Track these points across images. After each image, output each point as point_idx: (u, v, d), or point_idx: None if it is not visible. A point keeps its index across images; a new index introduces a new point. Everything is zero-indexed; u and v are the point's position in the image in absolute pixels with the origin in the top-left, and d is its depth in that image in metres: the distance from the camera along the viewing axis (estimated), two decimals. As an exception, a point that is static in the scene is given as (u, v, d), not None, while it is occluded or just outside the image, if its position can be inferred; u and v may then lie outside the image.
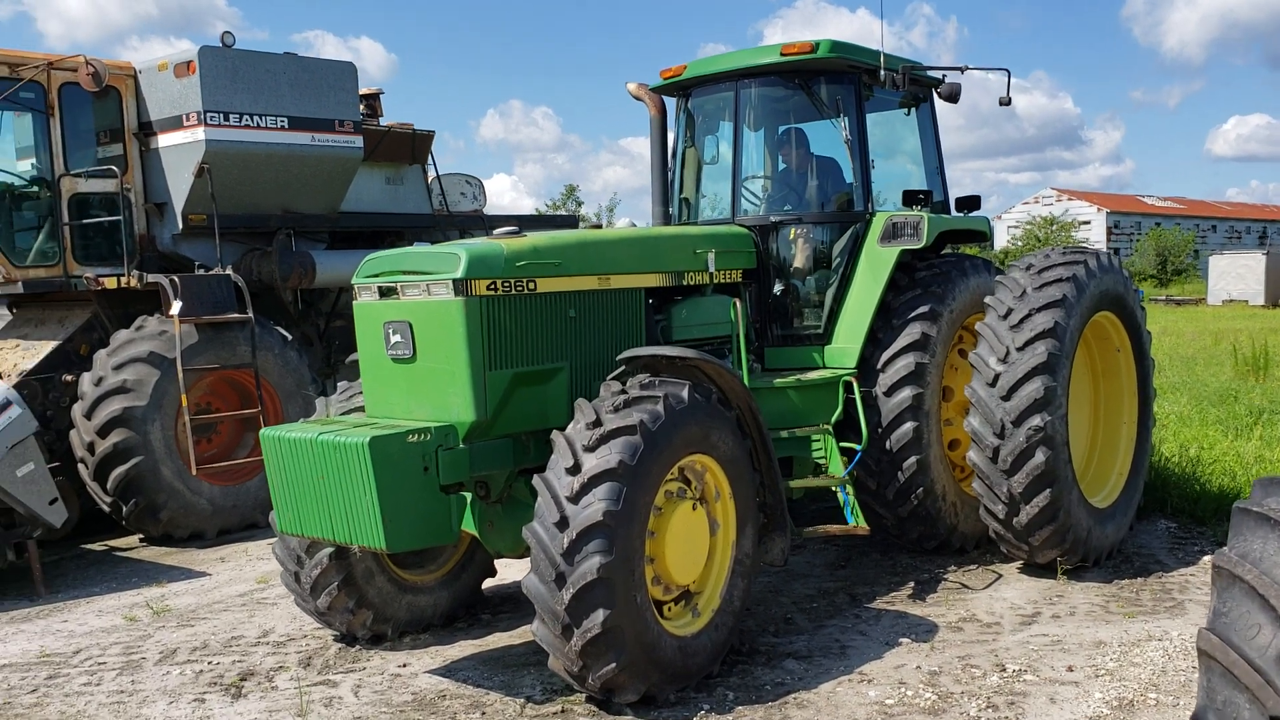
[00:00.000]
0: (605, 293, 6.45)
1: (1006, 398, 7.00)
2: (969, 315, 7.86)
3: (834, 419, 7.32)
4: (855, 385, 7.26)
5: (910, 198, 7.95)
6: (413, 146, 12.44)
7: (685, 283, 7.11)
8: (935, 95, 8.52)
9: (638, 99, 8.44)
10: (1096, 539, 7.44)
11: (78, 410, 9.51)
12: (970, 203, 8.61)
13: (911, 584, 7.45)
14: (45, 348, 10.15)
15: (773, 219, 7.83)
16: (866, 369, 7.59)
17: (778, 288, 7.89)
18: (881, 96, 8.19)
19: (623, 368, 6.03)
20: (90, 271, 10.24)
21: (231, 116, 10.31)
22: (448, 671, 6.20)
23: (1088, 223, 78.87)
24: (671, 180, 8.38)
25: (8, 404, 8.10)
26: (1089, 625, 6.52)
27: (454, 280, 5.69)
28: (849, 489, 7.09)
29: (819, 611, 6.97)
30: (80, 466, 9.58)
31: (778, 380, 7.30)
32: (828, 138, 8.10)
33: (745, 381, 6.78)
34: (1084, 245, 7.92)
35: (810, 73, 7.79)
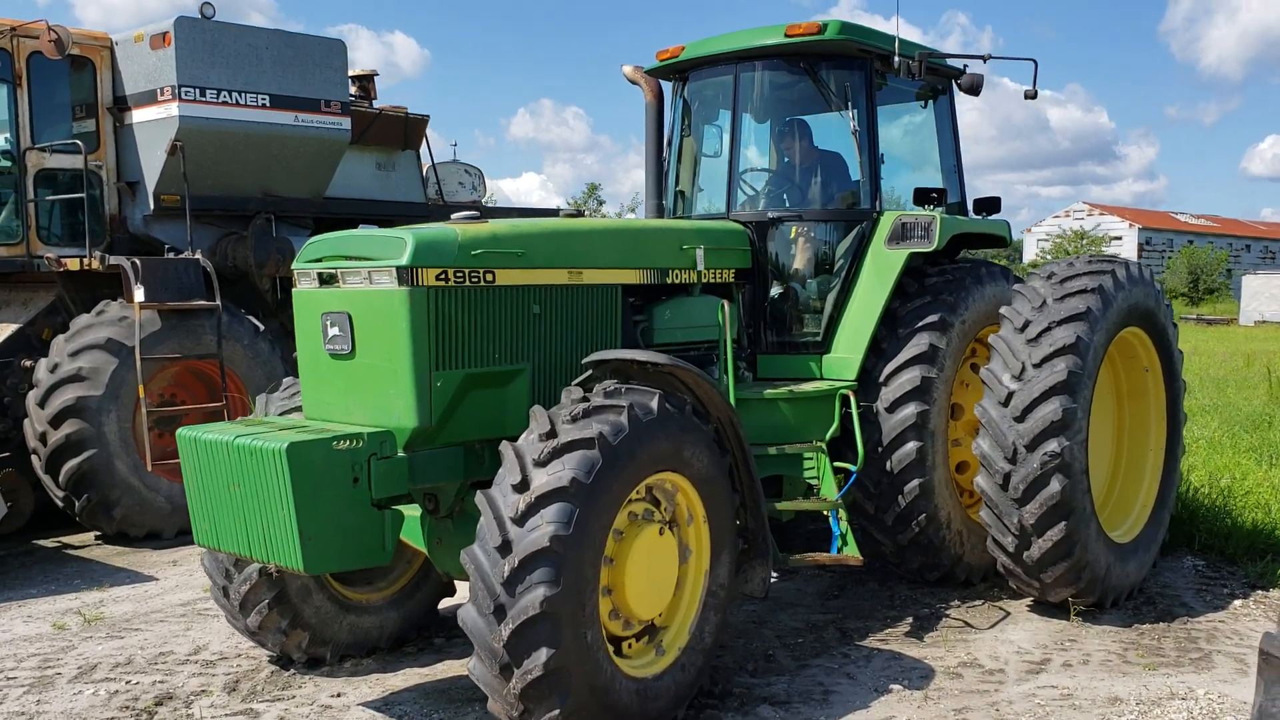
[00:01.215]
0: (576, 288, 5.81)
1: (1020, 419, 6.31)
2: (983, 327, 7.18)
3: (829, 436, 6.64)
4: (853, 400, 6.58)
5: (922, 196, 7.27)
6: (405, 131, 11.85)
7: (670, 281, 6.46)
8: (955, 87, 7.87)
9: (634, 83, 7.82)
10: (1116, 578, 6.74)
11: (32, 398, 8.96)
12: (989, 205, 7.92)
13: (909, 620, 6.77)
14: (5, 330, 9.62)
15: (771, 215, 7.17)
16: (868, 382, 6.92)
17: (774, 290, 7.23)
18: (896, 86, 7.51)
19: (589, 372, 5.39)
20: (54, 252, 9.69)
21: (208, 92, 9.74)
22: (385, 704, 5.58)
23: (1119, 238, 77.66)
24: (666, 172, 7.74)
25: (-58, 389, 7.54)
26: (1103, 677, 5.83)
27: (398, 268, 5.06)
28: (841, 514, 6.42)
29: (804, 648, 6.31)
30: (34, 458, 9.03)
31: (768, 391, 6.64)
32: (835, 129, 7.44)
33: (731, 391, 6.16)
34: (1112, 255, 7.17)
35: (817, 56, 7.13)
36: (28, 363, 9.37)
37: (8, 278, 10.14)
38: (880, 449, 6.79)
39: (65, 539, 9.39)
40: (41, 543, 9.28)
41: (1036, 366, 6.35)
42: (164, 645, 6.55)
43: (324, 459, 4.82)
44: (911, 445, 6.72)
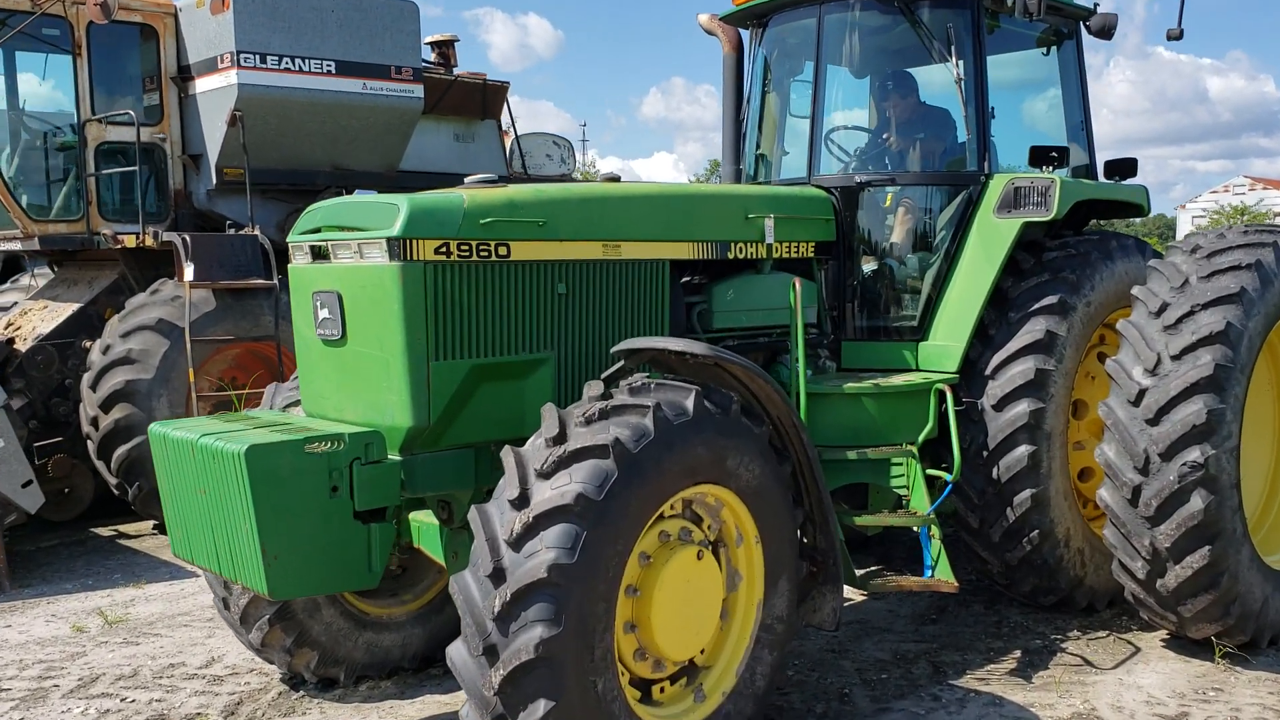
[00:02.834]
0: (611, 264, 4.97)
1: (1154, 422, 5.23)
2: (1113, 310, 6.09)
3: (923, 437, 5.66)
4: (949, 395, 5.57)
5: (1040, 156, 6.18)
6: (483, 99, 11.15)
7: (732, 256, 5.56)
8: (1084, 30, 6.74)
9: (710, 33, 6.92)
10: (1274, 613, 5.60)
11: (85, 381, 8.57)
12: (1123, 168, 6.78)
13: (1017, 654, 5.76)
14: (67, 310, 9.28)
15: (859, 179, 6.18)
16: (972, 375, 5.92)
17: (862, 266, 6.26)
18: (1011, 29, 6.44)
19: (620, 363, 4.56)
20: (116, 228, 9.30)
21: (269, 58, 9.20)
22: (390, 740, 4.88)
23: (1283, 214, 72.87)
24: (744, 133, 6.83)
25: (-30, 372, 7.16)
26: (1256, 741, 4.75)
27: (389, 239, 4.30)
28: (934, 530, 5.44)
29: (887, 686, 5.37)
30: (88, 443, 8.66)
31: (849, 385, 5.69)
32: (938, 81, 6.42)
33: (801, 385, 5.25)
34: (1274, 226, 5.96)
35: (915, -7, 6.11)
36: (88, 344, 9.00)
37: (74, 255, 9.85)
38: (986, 453, 5.78)
39: (122, 528, 9.02)
40: (98, 531, 8.94)
41: (1175, 359, 5.26)
42: (177, 655, 5.99)
43: (293, 464, 4.09)
44: (1022, 449, 5.70)
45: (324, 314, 4.57)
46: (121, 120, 9.22)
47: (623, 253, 4.98)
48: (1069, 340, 5.87)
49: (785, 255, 5.83)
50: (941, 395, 5.61)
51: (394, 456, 4.44)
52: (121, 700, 5.37)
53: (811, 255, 6.02)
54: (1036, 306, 5.88)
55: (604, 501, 3.80)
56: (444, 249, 4.38)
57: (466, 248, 4.44)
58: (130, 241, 9.08)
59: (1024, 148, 6.40)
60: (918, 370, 6.03)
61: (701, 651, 4.44)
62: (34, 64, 9.79)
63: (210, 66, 9.31)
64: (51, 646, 6.20)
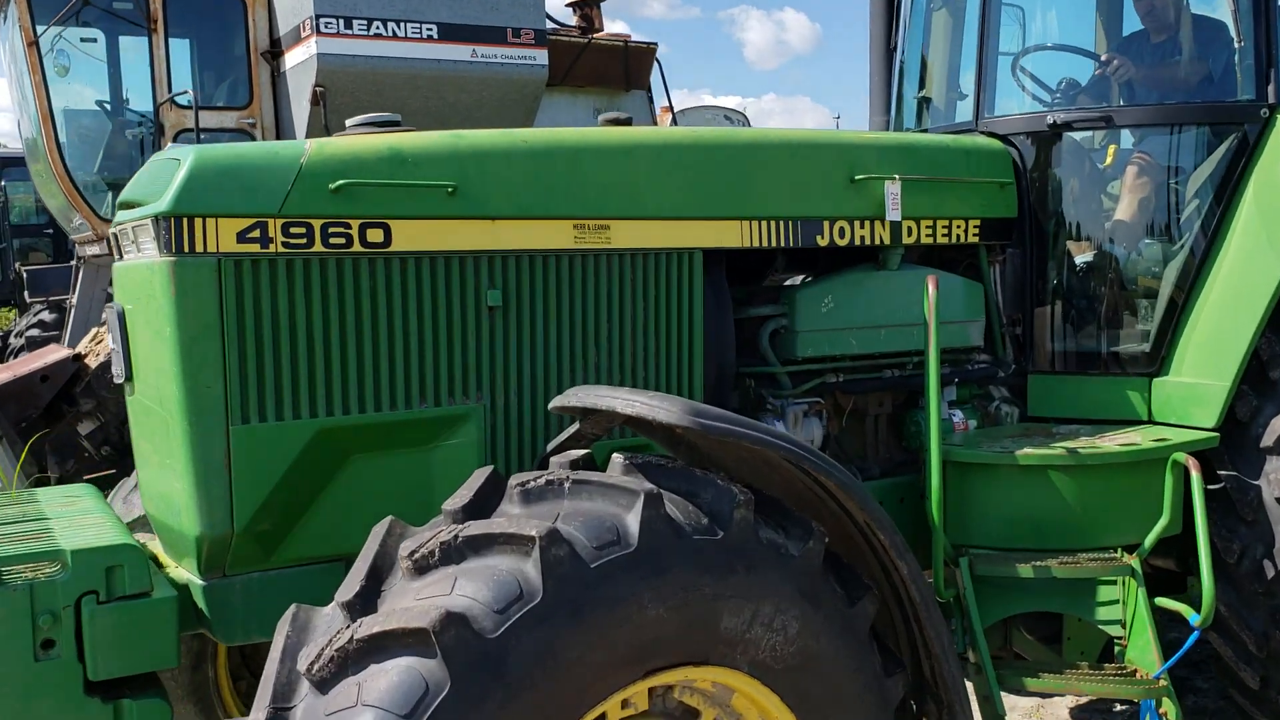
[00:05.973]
0: (593, 257, 3.02)
1: None
2: None
3: (1151, 540, 3.38)
4: (1196, 473, 3.26)
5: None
6: (626, 66, 9.31)
7: (828, 242, 3.47)
8: None
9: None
10: None
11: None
12: None
13: None
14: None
15: (1054, 119, 3.93)
16: (1241, 439, 3.60)
17: (1077, 259, 4.04)
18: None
19: (574, 427, 2.66)
20: (187, 227, 8.16)
21: (356, 23, 7.75)
22: None
23: None
24: (900, 70, 4.74)
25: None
26: None
27: (157, 218, 2.56)
28: (1166, 708, 3.17)
29: None
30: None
31: (1026, 450, 3.46)
32: None
33: (934, 448, 3.17)
34: None
35: None
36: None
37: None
38: (1270, 574, 3.46)
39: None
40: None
41: None
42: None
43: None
44: (1332, 572, 3.36)
45: (109, 340, 2.93)
46: (179, 100, 8.05)
47: (614, 238, 3.02)
48: None
49: (927, 240, 3.69)
50: (1184, 473, 3.30)
51: (191, 579, 2.69)
52: None
53: (976, 240, 3.84)
54: (1356, 330, 3.51)
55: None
56: (257, 233, 2.58)
57: (303, 230, 2.62)
58: (200, 242, 7.89)
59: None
60: (1149, 424, 3.75)
61: None
62: (136, 49, 8.85)
63: (296, 38, 8.00)
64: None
